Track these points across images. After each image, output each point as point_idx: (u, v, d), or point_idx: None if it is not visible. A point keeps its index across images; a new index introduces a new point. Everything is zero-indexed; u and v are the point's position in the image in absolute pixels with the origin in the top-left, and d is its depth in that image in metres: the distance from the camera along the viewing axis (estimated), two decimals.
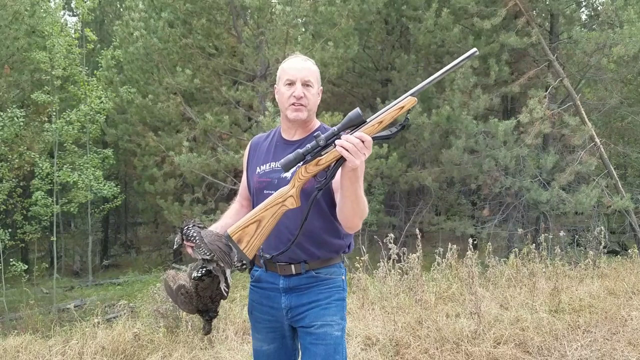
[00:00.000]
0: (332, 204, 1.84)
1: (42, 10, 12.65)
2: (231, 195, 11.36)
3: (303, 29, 10.72)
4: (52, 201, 12.33)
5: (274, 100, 9.45)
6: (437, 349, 3.66)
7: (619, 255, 8.27)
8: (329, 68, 9.78)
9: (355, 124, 1.63)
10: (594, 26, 12.23)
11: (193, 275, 1.78)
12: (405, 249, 5.06)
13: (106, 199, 14.16)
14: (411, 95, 1.65)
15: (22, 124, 11.68)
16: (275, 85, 1.96)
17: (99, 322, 4.00)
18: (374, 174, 10.73)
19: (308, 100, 1.86)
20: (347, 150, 1.56)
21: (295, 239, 1.74)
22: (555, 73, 10.82)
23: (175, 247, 1.91)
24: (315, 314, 1.87)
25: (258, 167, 1.96)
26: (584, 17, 13.48)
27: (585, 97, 13.52)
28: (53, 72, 12.33)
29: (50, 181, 12.36)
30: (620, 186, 10.81)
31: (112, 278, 14.48)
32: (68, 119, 12.39)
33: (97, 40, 15.02)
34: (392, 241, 4.85)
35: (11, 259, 11.56)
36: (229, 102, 10.99)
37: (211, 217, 9.93)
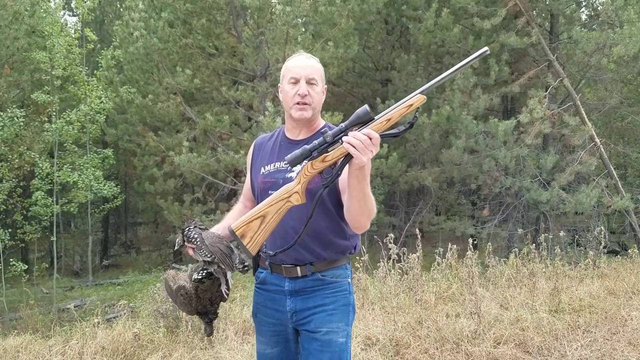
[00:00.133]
0: (338, 204, 1.82)
1: (42, 10, 12.65)
2: (231, 195, 11.37)
3: (303, 29, 10.72)
4: (52, 201, 12.34)
5: (274, 100, 9.45)
6: (437, 349, 3.66)
7: (619, 255, 8.27)
8: (329, 68, 9.77)
9: (363, 121, 1.61)
10: (594, 26, 12.23)
11: (194, 277, 1.77)
12: (405, 249, 5.06)
13: (106, 199, 14.16)
14: (420, 93, 1.63)
15: (22, 124, 11.68)
16: (279, 84, 1.94)
17: (99, 322, 4.00)
18: (374, 174, 10.72)
19: (312, 99, 1.84)
20: (354, 146, 1.54)
21: (301, 234, 1.71)
22: (555, 73, 10.82)
23: (176, 248, 1.90)
24: (320, 320, 1.85)
25: (262, 168, 1.93)
26: (584, 17, 13.49)
27: (585, 97, 13.53)
28: (53, 72, 12.33)
29: (50, 181, 12.36)
30: (620, 186, 10.81)
31: (112, 278, 14.48)
32: (68, 119, 12.39)
33: (97, 40, 15.01)
34: (392, 241, 4.85)
35: (11, 259, 11.56)
36: (229, 102, 10.99)
37: (211, 217, 9.92)
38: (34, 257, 14.78)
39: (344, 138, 1.58)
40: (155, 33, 10.19)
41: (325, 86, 1.93)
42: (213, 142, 10.62)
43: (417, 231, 5.34)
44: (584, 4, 13.06)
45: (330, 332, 1.84)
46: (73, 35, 13.54)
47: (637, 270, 6.18)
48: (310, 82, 1.83)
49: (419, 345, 3.69)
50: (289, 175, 1.83)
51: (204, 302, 1.82)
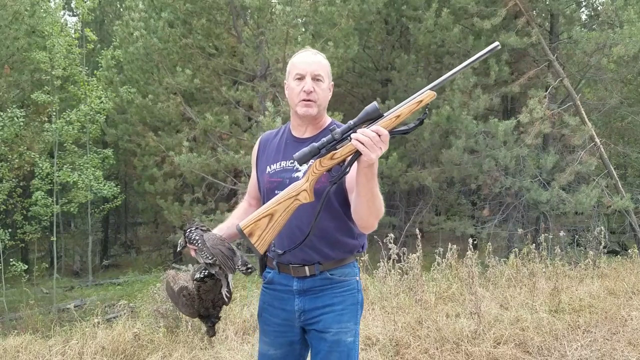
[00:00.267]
0: (345, 203, 1.79)
1: (42, 10, 12.65)
2: (231, 195, 11.37)
3: (303, 29, 10.72)
4: (52, 201, 12.34)
5: (274, 100, 9.45)
6: (437, 349, 3.66)
7: (619, 255, 8.27)
8: None
9: (372, 118, 1.58)
10: (594, 26, 12.23)
11: (196, 276, 1.76)
12: (405, 249, 5.06)
13: (106, 199, 14.16)
14: (430, 89, 1.60)
15: (22, 124, 11.69)
16: (284, 81, 1.90)
17: (99, 322, 4.00)
18: None
19: (318, 96, 1.80)
20: (363, 143, 1.52)
21: (309, 232, 1.68)
22: (555, 73, 10.82)
23: (178, 249, 1.88)
24: (329, 320, 1.84)
25: (268, 167, 1.90)
26: (584, 17, 13.49)
27: (585, 97, 13.53)
28: (53, 72, 12.33)
29: (50, 181, 12.36)
30: (620, 186, 10.81)
31: (112, 278, 14.48)
32: (68, 119, 12.40)
33: (97, 40, 15.02)
34: (392, 241, 4.84)
35: (11, 259, 11.56)
36: (229, 102, 10.99)
37: (211, 217, 9.92)
38: (34, 257, 14.79)
39: (352, 135, 1.55)
40: (155, 33, 10.20)
41: (332, 83, 1.90)
42: (213, 142, 10.61)
43: (417, 231, 5.34)
44: (584, 4, 13.07)
45: (340, 332, 1.83)
46: (73, 35, 13.54)
47: (637, 270, 6.18)
48: (316, 79, 1.80)
49: (419, 345, 3.69)
50: (296, 175, 1.81)
51: (207, 304, 1.80)
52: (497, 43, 1.61)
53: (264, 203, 1.87)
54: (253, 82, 10.22)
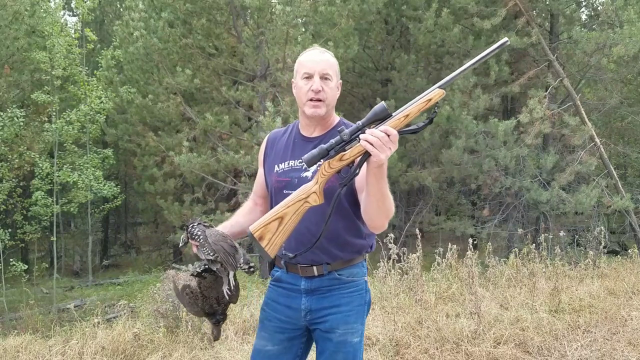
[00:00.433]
0: (355, 203, 1.78)
1: (42, 10, 12.65)
2: (231, 195, 11.37)
3: (303, 29, 10.71)
4: (52, 201, 12.34)
5: (274, 100, 9.45)
6: (437, 349, 3.66)
7: (619, 255, 8.26)
8: None
9: (380, 118, 1.57)
10: (594, 26, 12.24)
11: (194, 271, 1.76)
12: (405, 249, 5.06)
13: (106, 199, 14.16)
14: (439, 87, 1.58)
15: (22, 124, 11.69)
16: (292, 80, 1.88)
17: (99, 322, 3.99)
18: None
19: (326, 95, 1.79)
20: (372, 144, 1.50)
21: (319, 238, 1.67)
22: (555, 73, 10.82)
23: (181, 245, 1.87)
24: (336, 320, 1.83)
25: (276, 166, 1.88)
26: (584, 17, 13.49)
27: (585, 97, 13.53)
28: (53, 72, 12.33)
29: (50, 181, 12.36)
30: (620, 186, 10.81)
31: (112, 278, 14.49)
32: (68, 119, 12.40)
33: (97, 40, 15.03)
34: (392, 241, 4.84)
35: (11, 259, 11.56)
36: (229, 102, 10.99)
37: (211, 217, 9.91)
38: (34, 257, 14.79)
39: (361, 136, 1.53)
40: (155, 33, 10.20)
41: (340, 81, 1.88)
42: (213, 142, 10.62)
43: (417, 231, 5.34)
44: (584, 4, 13.07)
45: (346, 333, 1.83)
46: (73, 35, 13.55)
47: (637, 270, 6.17)
48: (324, 77, 1.78)
49: (419, 345, 3.69)
50: (304, 174, 1.79)
51: (211, 302, 1.79)
52: (506, 39, 1.60)
53: (271, 202, 1.86)
54: (253, 82, 10.22)
